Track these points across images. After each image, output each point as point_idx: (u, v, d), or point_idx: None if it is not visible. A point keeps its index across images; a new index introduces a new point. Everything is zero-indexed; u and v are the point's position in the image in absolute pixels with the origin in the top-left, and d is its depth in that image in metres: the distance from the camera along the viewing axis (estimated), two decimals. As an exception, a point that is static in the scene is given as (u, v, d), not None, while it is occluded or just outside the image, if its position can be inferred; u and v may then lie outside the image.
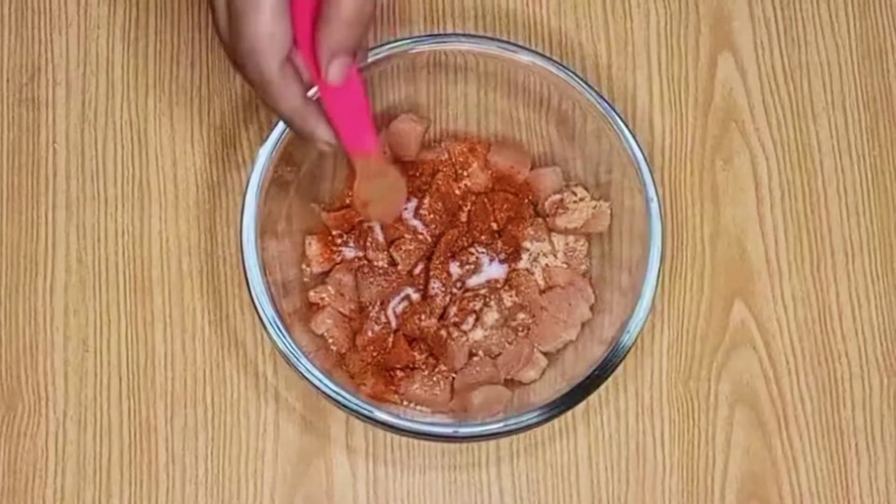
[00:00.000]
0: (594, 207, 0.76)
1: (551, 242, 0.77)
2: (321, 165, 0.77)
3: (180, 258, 0.78)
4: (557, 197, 0.77)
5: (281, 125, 0.71)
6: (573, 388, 0.68)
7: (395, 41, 0.73)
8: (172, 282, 0.78)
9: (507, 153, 0.79)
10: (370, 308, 0.75)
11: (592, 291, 0.76)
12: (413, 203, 0.77)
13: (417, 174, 0.77)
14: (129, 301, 0.77)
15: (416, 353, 0.75)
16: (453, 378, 0.74)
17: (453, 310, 0.75)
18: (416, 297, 0.76)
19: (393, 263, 0.76)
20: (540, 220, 0.77)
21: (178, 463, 0.75)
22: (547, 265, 0.77)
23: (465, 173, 0.78)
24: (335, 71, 0.60)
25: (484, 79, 0.78)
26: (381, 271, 0.75)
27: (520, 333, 0.75)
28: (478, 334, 0.75)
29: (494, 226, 0.77)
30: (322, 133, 0.63)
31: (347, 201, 0.77)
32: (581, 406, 0.71)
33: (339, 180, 0.78)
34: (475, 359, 0.74)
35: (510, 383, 0.75)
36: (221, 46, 0.61)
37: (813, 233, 0.80)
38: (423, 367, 0.74)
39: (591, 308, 0.76)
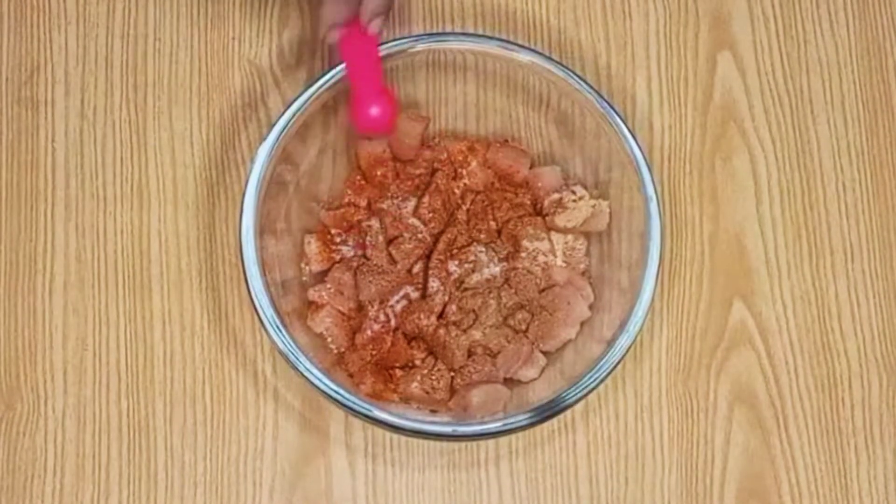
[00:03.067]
0: (593, 206, 0.76)
1: (550, 241, 0.77)
2: (320, 165, 0.77)
3: (179, 257, 0.78)
4: (557, 196, 0.77)
5: (280, 124, 0.71)
6: (572, 387, 0.68)
7: (395, 40, 0.73)
8: (171, 281, 0.77)
9: (506, 152, 0.79)
10: (369, 307, 0.75)
11: (592, 290, 0.76)
12: (412, 202, 0.77)
13: (416, 173, 0.77)
14: (129, 300, 0.77)
15: (415, 352, 0.75)
16: (452, 377, 0.74)
17: (452, 308, 0.75)
18: (415, 295, 0.76)
19: (392, 262, 0.76)
20: (539, 218, 0.77)
21: (176, 461, 0.75)
22: (546, 264, 0.77)
23: (464, 172, 0.78)
24: (375, 25, 0.71)
25: (483, 78, 0.78)
26: (380, 270, 0.75)
27: (519, 332, 0.75)
28: (477, 333, 0.75)
29: (493, 224, 0.77)
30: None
31: (346, 199, 0.77)
32: (580, 405, 0.71)
33: (337, 179, 0.78)
34: (474, 357, 0.74)
35: (509, 382, 0.75)
36: None
37: (812, 232, 0.80)
38: (422, 365, 0.74)
39: (591, 307, 0.76)
